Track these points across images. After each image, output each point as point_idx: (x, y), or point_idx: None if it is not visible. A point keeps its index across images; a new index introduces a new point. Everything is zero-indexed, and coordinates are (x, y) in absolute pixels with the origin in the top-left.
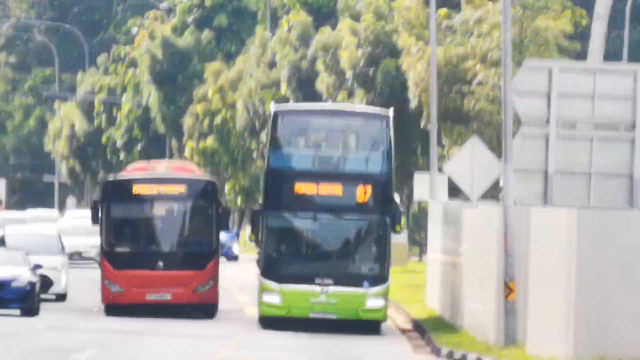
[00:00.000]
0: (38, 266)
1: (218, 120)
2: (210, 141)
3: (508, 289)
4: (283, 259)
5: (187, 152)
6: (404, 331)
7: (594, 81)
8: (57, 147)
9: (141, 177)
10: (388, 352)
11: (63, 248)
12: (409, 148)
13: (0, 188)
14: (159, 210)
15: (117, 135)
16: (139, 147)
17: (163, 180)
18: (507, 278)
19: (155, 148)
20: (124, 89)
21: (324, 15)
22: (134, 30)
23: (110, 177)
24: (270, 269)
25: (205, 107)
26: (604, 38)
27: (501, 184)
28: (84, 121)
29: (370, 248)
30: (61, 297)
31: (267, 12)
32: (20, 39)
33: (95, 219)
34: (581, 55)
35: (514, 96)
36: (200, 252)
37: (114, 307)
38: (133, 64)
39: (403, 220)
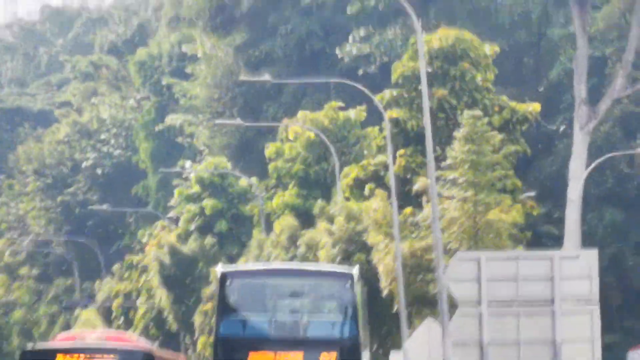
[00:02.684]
0: None
1: None
2: None
3: None
4: None
5: (199, 346)
6: None
7: (517, 266)
8: None
9: (65, 346)
10: None
11: None
12: (386, 331)
13: None
14: None
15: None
16: (156, 344)
17: (90, 350)
18: None
19: (170, 345)
20: (138, 293)
21: (310, 217)
22: (144, 239)
23: (29, 347)
24: None
25: (212, 306)
26: (578, 221)
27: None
28: (103, 325)
29: None
30: None
31: (262, 218)
32: (40, 252)
33: None
34: (559, 239)
35: (450, 282)
36: None
37: None
38: (145, 270)
39: None
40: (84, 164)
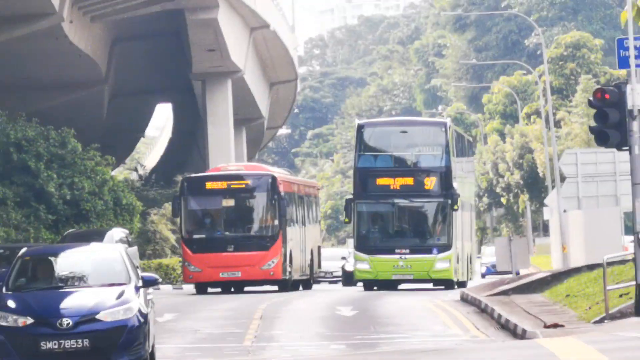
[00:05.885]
0: (150, 280)
1: None
2: None
3: (563, 248)
4: (370, 236)
5: None
6: None
7: (596, 157)
8: None
9: (212, 174)
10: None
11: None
12: (539, 190)
13: None
14: (227, 201)
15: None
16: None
17: (229, 177)
18: (563, 244)
19: None
20: None
21: (502, 134)
22: None
23: (187, 176)
24: (362, 243)
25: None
26: None
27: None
28: None
29: (436, 224)
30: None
31: (481, 137)
32: None
33: (175, 212)
34: None
35: (562, 165)
36: (265, 235)
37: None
38: None
39: (459, 201)
40: (384, 108)
